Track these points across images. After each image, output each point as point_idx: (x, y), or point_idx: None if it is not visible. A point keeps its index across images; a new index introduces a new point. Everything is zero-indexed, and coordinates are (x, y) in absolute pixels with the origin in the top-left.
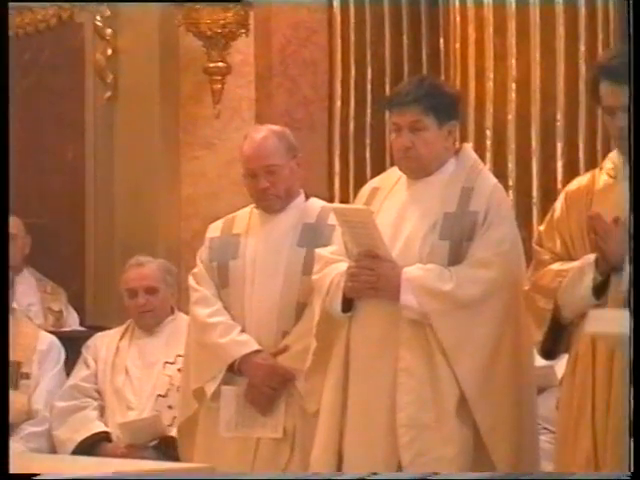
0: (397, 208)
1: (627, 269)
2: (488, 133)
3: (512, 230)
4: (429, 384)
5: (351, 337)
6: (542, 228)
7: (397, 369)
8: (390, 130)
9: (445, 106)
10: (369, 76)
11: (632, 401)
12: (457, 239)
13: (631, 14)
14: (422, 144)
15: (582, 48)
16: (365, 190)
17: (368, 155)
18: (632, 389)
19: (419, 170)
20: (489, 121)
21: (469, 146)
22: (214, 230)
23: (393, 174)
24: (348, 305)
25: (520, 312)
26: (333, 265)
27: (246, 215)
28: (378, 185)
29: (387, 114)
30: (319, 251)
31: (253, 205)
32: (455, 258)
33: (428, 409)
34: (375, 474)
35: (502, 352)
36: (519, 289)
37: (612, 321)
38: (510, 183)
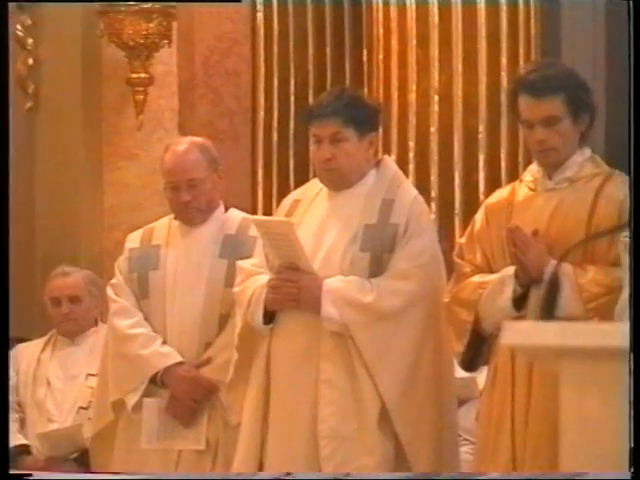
0: (318, 220)
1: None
2: (411, 145)
3: (432, 242)
4: (350, 396)
5: (272, 349)
6: (463, 240)
7: (318, 381)
8: (311, 142)
9: (365, 118)
10: (292, 87)
11: (632, 400)
12: (378, 251)
13: (631, 14)
14: (343, 156)
15: (504, 61)
16: (286, 202)
17: (292, 166)
18: (632, 388)
19: (340, 182)
20: (412, 133)
21: (389, 158)
22: (133, 240)
23: (314, 186)
24: (269, 317)
25: (440, 324)
26: (254, 277)
27: (165, 226)
28: (299, 197)
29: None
30: (240, 263)
31: (172, 216)
32: (376, 270)
33: (349, 420)
34: (289, 474)
35: (422, 363)
36: (439, 301)
37: (527, 333)
38: (432, 195)
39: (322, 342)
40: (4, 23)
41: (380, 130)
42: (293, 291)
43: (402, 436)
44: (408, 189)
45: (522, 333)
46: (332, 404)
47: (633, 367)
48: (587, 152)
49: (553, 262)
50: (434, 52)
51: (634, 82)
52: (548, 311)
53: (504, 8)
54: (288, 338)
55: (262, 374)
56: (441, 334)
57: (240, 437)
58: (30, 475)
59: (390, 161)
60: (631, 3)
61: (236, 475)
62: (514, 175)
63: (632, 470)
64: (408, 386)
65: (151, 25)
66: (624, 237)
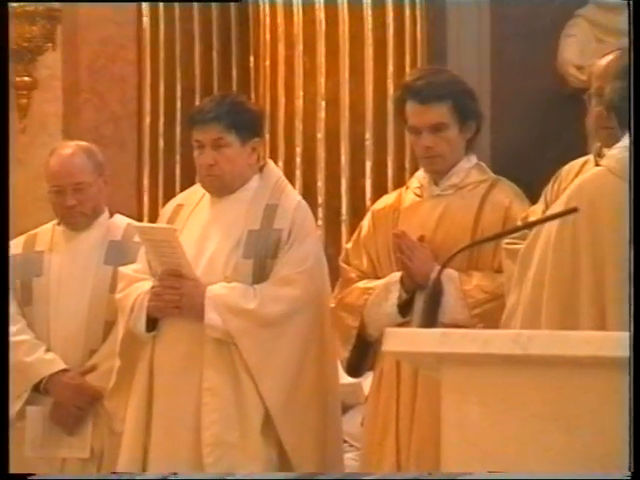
0: (201, 226)
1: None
2: (298, 150)
3: (316, 247)
4: (234, 403)
5: (155, 356)
6: (349, 246)
7: (201, 388)
8: (193, 148)
9: (247, 123)
10: (179, 92)
11: (632, 400)
12: (261, 257)
13: (631, 14)
14: (225, 161)
15: (390, 68)
16: (169, 207)
17: (178, 172)
18: (632, 389)
19: (223, 187)
20: (299, 139)
21: (273, 163)
22: (15, 247)
23: (198, 191)
24: (152, 324)
25: (325, 329)
26: (137, 284)
27: (48, 232)
28: (182, 202)
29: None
30: (122, 269)
31: (55, 221)
32: (260, 276)
33: (233, 428)
34: (175, 474)
35: (306, 369)
36: (323, 306)
37: (409, 340)
38: (319, 200)
39: (205, 349)
40: (4, 23)
41: (266, 136)
42: (175, 298)
43: (286, 442)
44: (292, 194)
45: (404, 340)
46: (215, 411)
47: (633, 373)
48: (473, 159)
49: (438, 268)
50: (321, 58)
51: (634, 82)
52: (431, 317)
53: (390, 15)
54: (171, 345)
55: (145, 382)
56: (325, 340)
57: (122, 445)
58: (30, 475)
59: (274, 166)
60: (631, 3)
61: (236, 475)
62: (401, 181)
63: (632, 470)
64: (292, 392)
65: (35, 28)
66: (505, 244)
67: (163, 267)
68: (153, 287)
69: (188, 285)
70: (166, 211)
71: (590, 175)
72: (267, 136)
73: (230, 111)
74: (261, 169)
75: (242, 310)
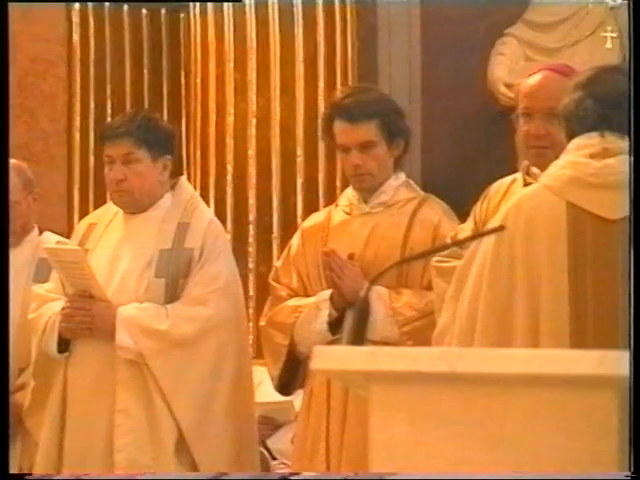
0: (113, 245)
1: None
2: (229, 168)
3: (228, 265)
4: (147, 425)
5: (68, 377)
6: (279, 264)
7: (114, 410)
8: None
9: (159, 140)
10: (109, 110)
11: (632, 400)
12: (173, 276)
13: (631, 14)
14: (135, 177)
15: (321, 85)
16: (81, 226)
17: None
18: (632, 388)
19: (133, 203)
20: (230, 156)
21: (185, 180)
22: None
23: (110, 209)
24: (65, 345)
25: (240, 348)
26: (49, 304)
27: None
28: (95, 220)
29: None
30: (35, 289)
31: None
32: (172, 296)
33: (146, 450)
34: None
35: (220, 390)
36: (238, 324)
37: (337, 357)
38: (251, 218)
39: (117, 370)
40: (4, 23)
41: (197, 155)
42: (86, 319)
43: (200, 463)
44: (204, 212)
45: (332, 358)
46: (128, 434)
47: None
48: (402, 177)
49: (367, 285)
50: (252, 76)
51: (634, 82)
52: (359, 334)
53: (321, 32)
54: (83, 367)
55: (58, 403)
56: (240, 358)
57: (35, 465)
58: (30, 475)
59: (186, 184)
60: (631, 3)
61: (239, 475)
62: (332, 198)
63: (632, 470)
64: (205, 412)
65: None
66: (435, 262)
67: (74, 288)
68: (64, 308)
69: (99, 306)
70: (79, 230)
71: (528, 192)
72: (198, 154)
73: (141, 127)
74: (173, 187)
75: (154, 331)
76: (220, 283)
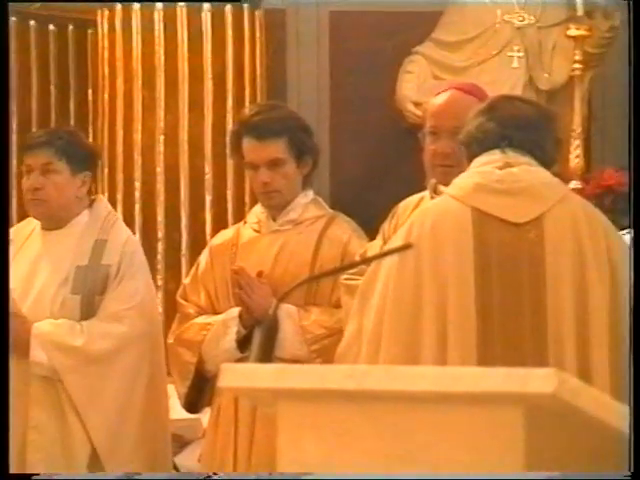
0: (30, 261)
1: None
2: (137, 184)
3: (145, 282)
4: (60, 441)
5: None
6: (187, 281)
7: (27, 427)
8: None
9: (79, 155)
10: (14, 126)
11: (633, 400)
12: (90, 293)
13: (631, 14)
14: (52, 187)
15: (230, 103)
16: None
17: (14, 205)
18: (632, 387)
19: (49, 215)
20: (138, 172)
21: (103, 197)
22: None
23: (28, 224)
24: None
25: (156, 365)
26: None
27: None
28: (12, 237)
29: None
30: None
31: None
32: (87, 312)
33: (59, 466)
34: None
35: (134, 406)
36: (154, 342)
37: (244, 375)
38: (159, 235)
39: (31, 387)
40: (4, 23)
41: (105, 170)
42: None
43: None
44: (121, 229)
45: (240, 376)
46: (41, 450)
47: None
48: (310, 194)
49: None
50: (160, 92)
51: (634, 82)
52: (266, 352)
53: (230, 49)
54: None
55: None
56: (156, 375)
57: None
58: (31, 475)
59: (104, 201)
60: (631, 3)
61: (240, 475)
62: (241, 215)
63: (632, 470)
64: (119, 429)
65: None
66: (344, 280)
67: None
68: None
69: (14, 322)
70: None
71: (434, 203)
72: (106, 170)
73: (63, 138)
74: (91, 204)
75: (68, 347)
76: (137, 300)
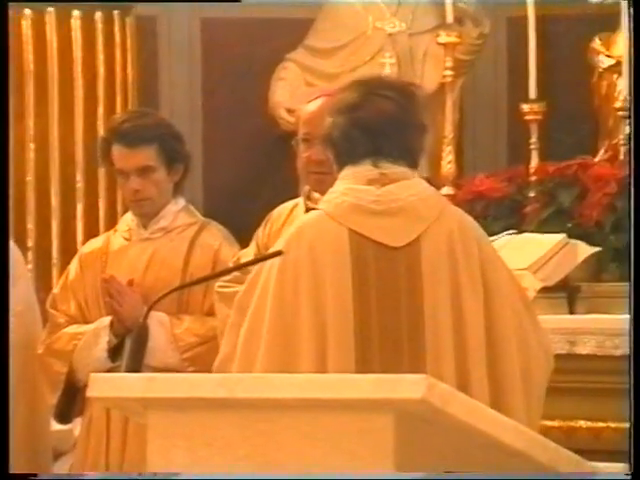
0: None
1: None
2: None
3: (27, 291)
4: None
5: None
6: (56, 291)
7: None
8: None
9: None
10: None
11: (633, 399)
12: None
13: (631, 14)
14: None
15: (101, 110)
16: None
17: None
18: (633, 387)
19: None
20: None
21: None
22: None
23: None
24: None
25: (35, 374)
26: None
27: None
28: None
29: None
30: None
31: None
32: None
33: None
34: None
35: (15, 417)
36: (34, 350)
37: (113, 385)
38: (30, 244)
39: None
40: (4, 23)
41: None
42: None
43: None
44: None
45: (109, 385)
46: None
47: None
48: (181, 202)
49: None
50: (29, 99)
51: (634, 82)
52: (137, 361)
53: (101, 56)
54: None
55: None
56: (37, 387)
57: None
58: (31, 475)
59: None
60: (631, 3)
61: (237, 475)
62: (112, 223)
63: (632, 470)
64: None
65: None
66: (218, 287)
67: None
68: None
69: None
70: None
71: (309, 220)
72: None
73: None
74: None
75: None
76: (19, 308)
